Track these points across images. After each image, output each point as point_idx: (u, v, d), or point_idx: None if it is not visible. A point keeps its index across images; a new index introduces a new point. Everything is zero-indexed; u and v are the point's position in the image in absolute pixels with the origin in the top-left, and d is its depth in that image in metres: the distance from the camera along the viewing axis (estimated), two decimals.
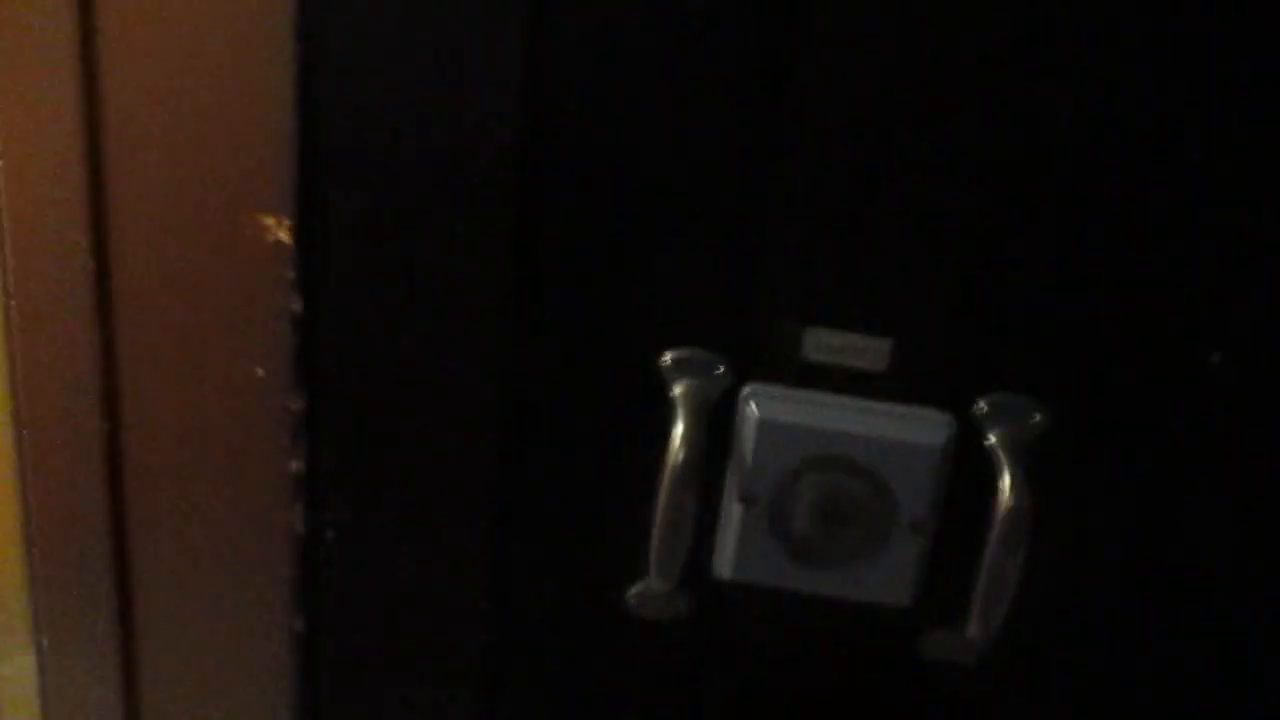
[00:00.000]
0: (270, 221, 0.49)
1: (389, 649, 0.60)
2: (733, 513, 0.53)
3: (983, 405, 0.53)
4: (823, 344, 0.52)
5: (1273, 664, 0.59)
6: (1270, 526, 0.55)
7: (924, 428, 0.52)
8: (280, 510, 0.55)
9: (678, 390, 0.52)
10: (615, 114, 0.49)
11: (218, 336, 0.54)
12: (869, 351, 0.52)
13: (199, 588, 0.61)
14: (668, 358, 0.52)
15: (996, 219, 0.50)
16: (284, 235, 0.49)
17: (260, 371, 0.52)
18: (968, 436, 0.52)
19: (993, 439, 0.52)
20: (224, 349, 0.54)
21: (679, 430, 0.51)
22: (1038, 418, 0.53)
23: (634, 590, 0.57)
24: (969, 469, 0.52)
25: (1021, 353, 0.53)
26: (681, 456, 0.50)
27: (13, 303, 0.59)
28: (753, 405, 0.52)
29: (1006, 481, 0.51)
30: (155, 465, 0.59)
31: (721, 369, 0.52)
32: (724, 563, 0.55)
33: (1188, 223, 0.49)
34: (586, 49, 0.47)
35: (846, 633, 0.58)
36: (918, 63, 0.47)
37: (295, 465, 0.53)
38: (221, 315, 0.54)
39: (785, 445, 0.52)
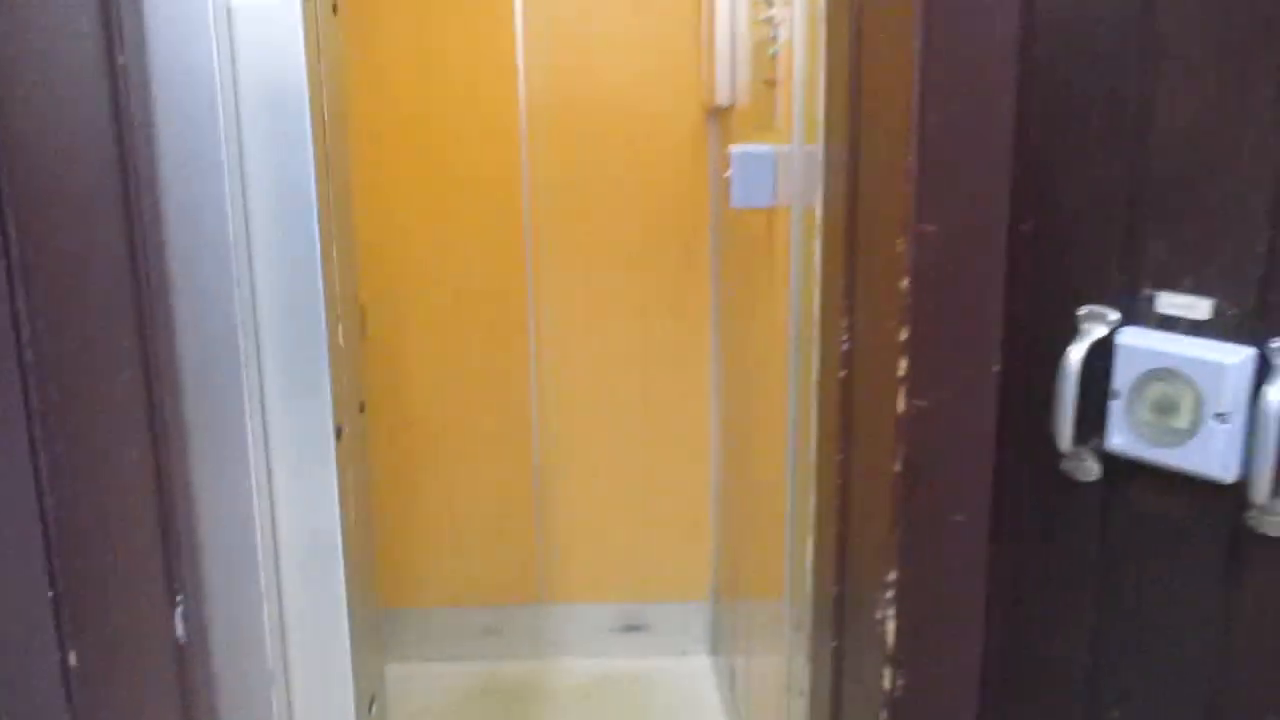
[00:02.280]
0: None
1: None
2: (1109, 406, 0.89)
3: (1274, 344, 0.80)
4: (1169, 302, 0.86)
5: None
6: None
7: (1226, 354, 0.82)
8: None
9: (1081, 328, 0.91)
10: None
11: None
12: (1198, 307, 0.84)
13: None
14: (1083, 310, 0.92)
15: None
16: None
17: None
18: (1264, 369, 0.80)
19: (1277, 361, 0.79)
20: None
21: (1074, 349, 0.90)
22: None
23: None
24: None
25: None
26: (1070, 361, 0.90)
27: None
28: (1124, 337, 0.88)
29: (1276, 386, 0.78)
30: None
31: (1112, 317, 0.90)
32: (1107, 439, 0.90)
33: None
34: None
35: (1192, 502, 0.86)
36: None
37: None
38: None
39: (1138, 363, 0.87)
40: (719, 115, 2.33)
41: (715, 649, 2.73)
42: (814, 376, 1.44)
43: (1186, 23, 0.83)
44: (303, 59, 1.25)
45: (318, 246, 1.29)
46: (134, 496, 1.28)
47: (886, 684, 1.14)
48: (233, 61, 1.27)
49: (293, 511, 1.43)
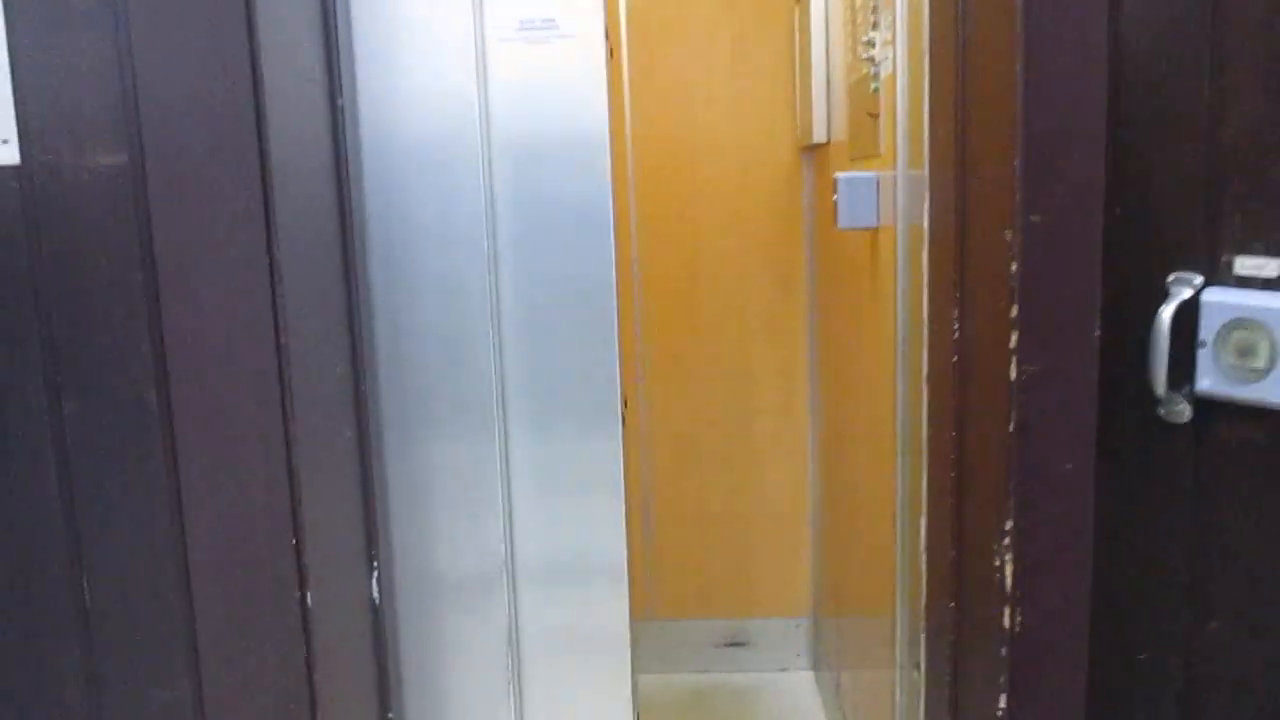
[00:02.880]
0: None
1: None
2: (1197, 355, 1.06)
3: None
4: (1244, 265, 1.03)
5: None
6: None
7: None
8: None
9: (1171, 291, 1.09)
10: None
11: None
12: (1268, 267, 1.01)
13: None
14: (1171, 277, 1.10)
15: None
16: None
17: None
18: None
19: None
20: None
21: (1166, 309, 1.08)
22: None
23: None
24: None
25: None
26: (1163, 319, 1.07)
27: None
28: (1208, 295, 1.06)
29: None
30: None
31: (1197, 280, 1.07)
32: (1196, 384, 1.07)
33: None
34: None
35: (1274, 433, 1.02)
36: None
37: None
38: None
39: (1221, 315, 1.04)
40: (814, 152, 2.55)
41: (817, 664, 2.86)
42: (924, 370, 1.62)
43: (1251, 32, 1.01)
44: (604, 96, 1.49)
45: (612, 269, 1.54)
46: (346, 471, 1.51)
47: (1006, 623, 1.30)
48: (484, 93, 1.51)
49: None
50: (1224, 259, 1.05)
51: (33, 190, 1.12)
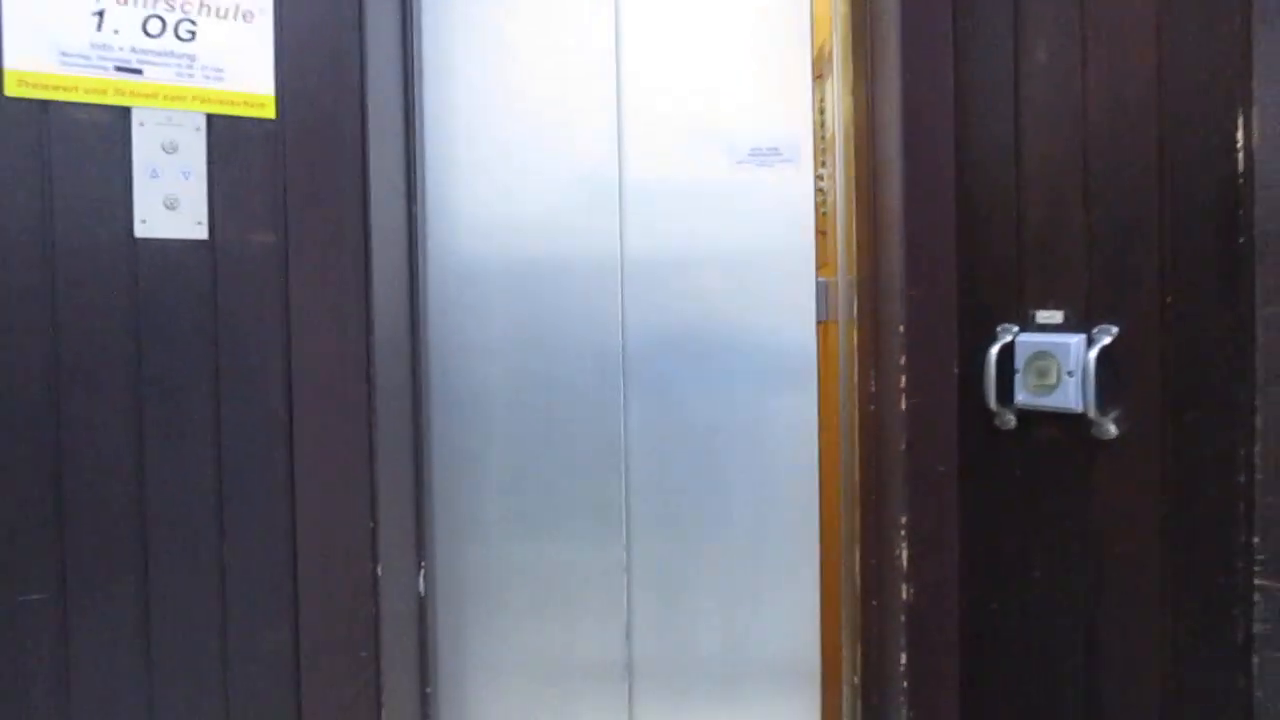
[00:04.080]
0: None
1: None
2: (1014, 379, 1.55)
3: (1095, 333, 1.46)
4: (1042, 316, 1.53)
5: None
6: None
7: (1071, 339, 1.48)
8: None
9: (998, 336, 1.58)
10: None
11: None
12: (1056, 316, 1.51)
13: None
14: (999, 327, 1.59)
15: (1104, 272, 1.47)
16: None
17: None
18: (1089, 344, 1.46)
19: (1093, 343, 1.45)
20: None
21: (994, 349, 1.57)
22: (1114, 333, 1.43)
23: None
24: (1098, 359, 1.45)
25: (1106, 316, 1.45)
26: (991, 355, 1.56)
27: None
28: (1020, 338, 1.55)
29: (1092, 352, 1.44)
30: None
31: (1014, 329, 1.57)
32: (1015, 398, 1.55)
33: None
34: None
35: (1063, 429, 1.49)
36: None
37: None
38: None
39: (1027, 350, 1.53)
40: None
41: None
42: (855, 417, 2.10)
43: (1037, 168, 1.54)
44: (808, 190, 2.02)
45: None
46: (403, 484, 1.96)
47: (904, 596, 1.75)
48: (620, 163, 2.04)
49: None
50: (1030, 313, 1.55)
51: (214, 257, 1.62)
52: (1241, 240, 1.30)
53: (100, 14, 1.54)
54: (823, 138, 2.26)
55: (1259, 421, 1.29)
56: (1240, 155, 1.31)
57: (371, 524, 1.75)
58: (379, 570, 1.76)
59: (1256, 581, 1.30)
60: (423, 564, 2.04)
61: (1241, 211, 1.30)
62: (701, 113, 2.07)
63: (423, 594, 2.04)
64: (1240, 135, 1.31)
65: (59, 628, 1.59)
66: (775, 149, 2.06)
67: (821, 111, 2.24)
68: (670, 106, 2.07)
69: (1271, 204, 1.27)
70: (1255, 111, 1.29)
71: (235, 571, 1.68)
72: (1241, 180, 1.31)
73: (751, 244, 2.09)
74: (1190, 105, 1.36)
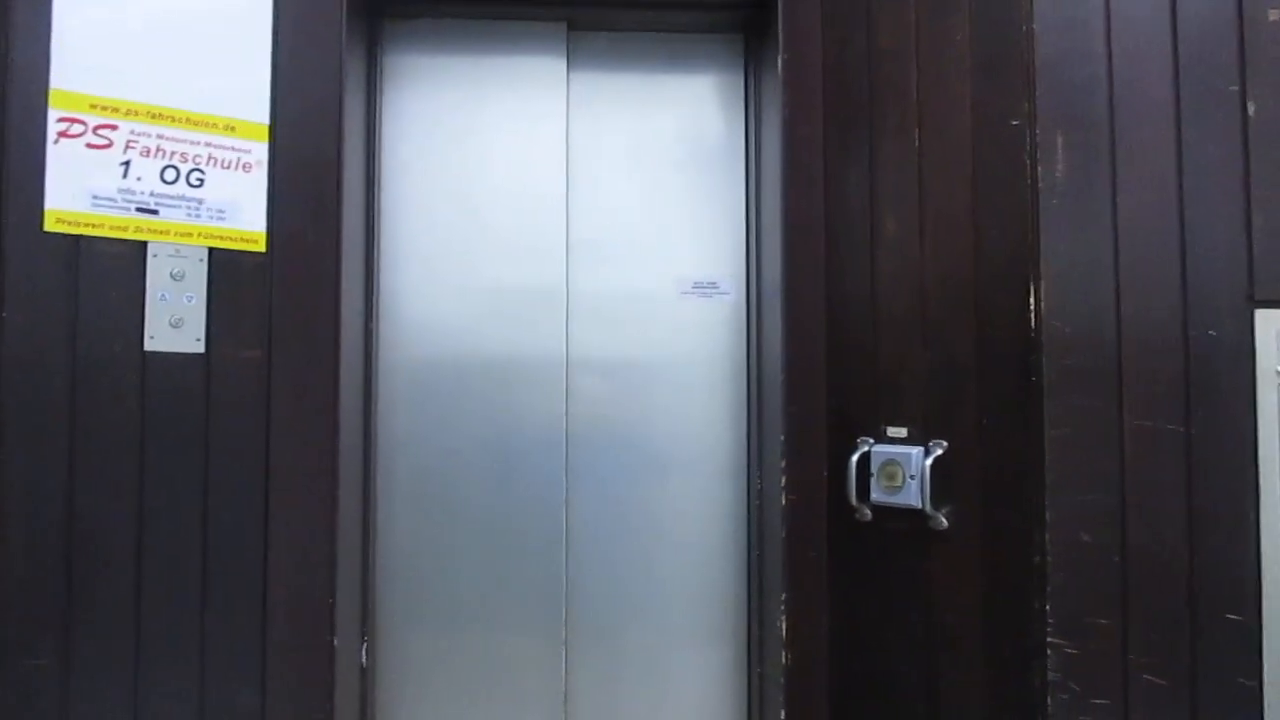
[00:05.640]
0: None
1: None
2: (870, 481, 1.95)
3: (930, 446, 1.88)
4: (891, 431, 1.94)
5: None
6: None
7: (912, 450, 1.89)
8: None
9: (858, 446, 1.99)
10: None
11: None
12: (902, 431, 1.92)
13: None
14: (859, 439, 2.00)
15: (938, 399, 1.90)
16: None
17: None
18: (925, 454, 1.88)
19: (929, 454, 1.86)
20: None
21: (854, 457, 1.97)
22: (945, 446, 1.85)
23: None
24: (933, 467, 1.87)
25: (939, 433, 1.87)
26: (852, 462, 1.96)
27: None
28: (875, 449, 1.96)
29: (928, 461, 1.85)
30: None
31: (870, 441, 1.98)
32: (871, 496, 1.95)
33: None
34: None
35: (907, 521, 1.90)
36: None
37: None
38: None
39: (880, 458, 1.94)
40: None
41: None
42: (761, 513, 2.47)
43: (888, 314, 1.97)
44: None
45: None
46: (354, 565, 2.24)
47: (784, 660, 2.11)
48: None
49: None
50: (883, 428, 1.96)
51: (208, 369, 1.90)
52: (1034, 379, 1.74)
53: (127, 164, 1.83)
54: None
55: (1049, 517, 1.71)
56: (1032, 316, 1.76)
57: (331, 600, 2.02)
58: (335, 642, 2.02)
59: (1048, 640, 1.70)
60: (365, 638, 2.30)
61: (1033, 358, 1.75)
62: (646, 242, 2.47)
63: (364, 666, 2.30)
64: (1032, 300, 1.76)
65: (60, 690, 1.81)
66: (714, 284, 2.48)
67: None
68: (617, 234, 2.46)
69: (1054, 354, 1.71)
70: (1043, 285, 1.75)
71: (214, 637, 1.93)
72: (1034, 334, 1.75)
73: (687, 357, 2.46)
74: (999, 272, 1.82)
